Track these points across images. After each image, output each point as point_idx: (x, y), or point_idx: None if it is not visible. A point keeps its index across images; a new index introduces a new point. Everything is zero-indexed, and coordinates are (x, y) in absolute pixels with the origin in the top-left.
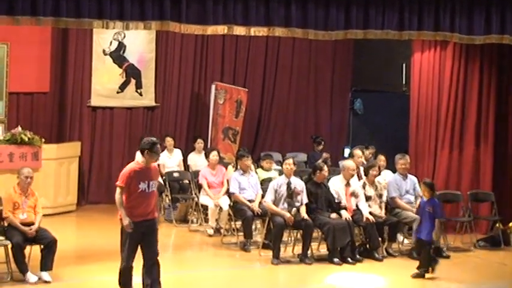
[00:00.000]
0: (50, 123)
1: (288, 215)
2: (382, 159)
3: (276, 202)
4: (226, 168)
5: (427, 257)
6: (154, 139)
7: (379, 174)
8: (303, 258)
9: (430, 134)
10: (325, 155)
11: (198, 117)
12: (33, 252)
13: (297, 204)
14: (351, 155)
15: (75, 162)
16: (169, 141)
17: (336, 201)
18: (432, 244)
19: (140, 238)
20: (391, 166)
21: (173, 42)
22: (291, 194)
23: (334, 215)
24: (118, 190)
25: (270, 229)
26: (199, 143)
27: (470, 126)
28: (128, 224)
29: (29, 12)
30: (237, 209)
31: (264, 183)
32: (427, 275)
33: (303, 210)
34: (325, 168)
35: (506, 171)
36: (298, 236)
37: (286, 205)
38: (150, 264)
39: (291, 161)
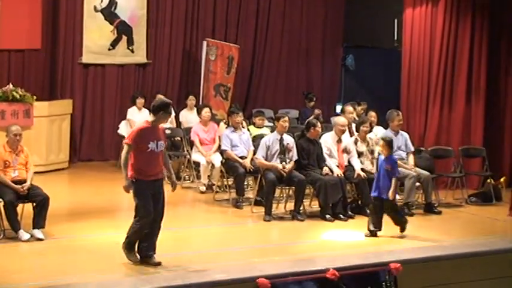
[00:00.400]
0: (41, 81)
1: (280, 166)
2: (372, 115)
3: (268, 159)
4: (218, 125)
5: (399, 216)
6: (167, 100)
7: (371, 130)
8: (295, 214)
9: (422, 90)
10: (316, 111)
11: (189, 74)
12: (26, 210)
13: (288, 161)
14: (343, 111)
15: (67, 120)
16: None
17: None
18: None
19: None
20: (383, 122)
21: None
22: (284, 150)
23: (325, 171)
24: (125, 149)
25: (262, 186)
26: (191, 100)
27: (462, 82)
28: (127, 185)
29: None
30: (229, 165)
31: (256, 139)
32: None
33: (289, 166)
34: (319, 124)
35: (498, 127)
36: (291, 192)
37: (278, 161)
38: (153, 227)
39: (286, 118)
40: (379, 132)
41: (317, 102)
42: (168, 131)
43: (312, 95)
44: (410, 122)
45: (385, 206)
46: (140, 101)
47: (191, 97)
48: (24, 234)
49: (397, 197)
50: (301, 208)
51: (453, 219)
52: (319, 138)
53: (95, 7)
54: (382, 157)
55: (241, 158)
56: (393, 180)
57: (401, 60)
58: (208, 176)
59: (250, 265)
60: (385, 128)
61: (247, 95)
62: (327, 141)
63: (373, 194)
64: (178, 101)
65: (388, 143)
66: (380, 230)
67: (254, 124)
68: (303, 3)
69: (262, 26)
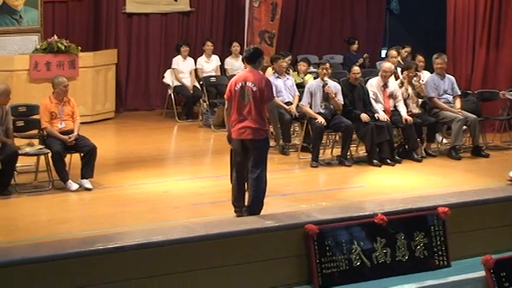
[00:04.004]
0: (85, 31)
1: (321, 119)
2: (421, 59)
3: (312, 106)
4: (264, 71)
5: None
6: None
7: (416, 75)
8: (343, 160)
9: (468, 32)
10: (364, 56)
11: (233, 21)
12: (74, 160)
13: (332, 107)
14: (387, 56)
15: (112, 70)
16: (209, 45)
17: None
18: None
19: None
20: (429, 66)
21: None
22: (327, 97)
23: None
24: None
25: (308, 132)
26: (236, 47)
27: (510, 21)
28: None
29: None
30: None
31: (298, 89)
32: None
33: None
34: (355, 68)
35: None
36: (337, 138)
37: (323, 107)
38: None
39: (327, 65)
40: (426, 76)
41: (360, 45)
42: (213, 79)
43: (353, 38)
44: (456, 64)
45: None
46: (185, 49)
47: (235, 44)
48: (72, 185)
49: (444, 140)
50: (348, 153)
51: (501, 161)
52: (365, 83)
53: None
54: None
55: (286, 104)
56: None
57: (446, 1)
58: None
59: (298, 211)
60: (432, 72)
61: (291, 42)
62: (373, 86)
63: None
64: (223, 49)
65: None
66: None
67: (297, 71)
68: None
69: None
